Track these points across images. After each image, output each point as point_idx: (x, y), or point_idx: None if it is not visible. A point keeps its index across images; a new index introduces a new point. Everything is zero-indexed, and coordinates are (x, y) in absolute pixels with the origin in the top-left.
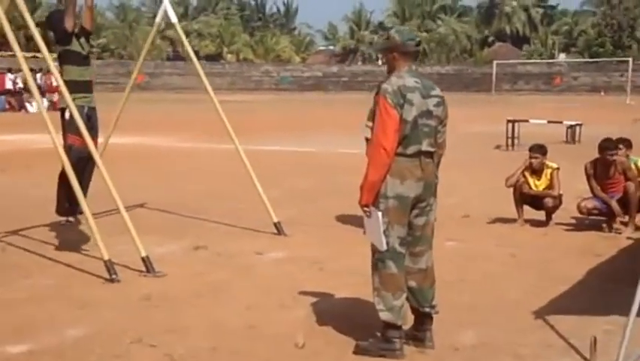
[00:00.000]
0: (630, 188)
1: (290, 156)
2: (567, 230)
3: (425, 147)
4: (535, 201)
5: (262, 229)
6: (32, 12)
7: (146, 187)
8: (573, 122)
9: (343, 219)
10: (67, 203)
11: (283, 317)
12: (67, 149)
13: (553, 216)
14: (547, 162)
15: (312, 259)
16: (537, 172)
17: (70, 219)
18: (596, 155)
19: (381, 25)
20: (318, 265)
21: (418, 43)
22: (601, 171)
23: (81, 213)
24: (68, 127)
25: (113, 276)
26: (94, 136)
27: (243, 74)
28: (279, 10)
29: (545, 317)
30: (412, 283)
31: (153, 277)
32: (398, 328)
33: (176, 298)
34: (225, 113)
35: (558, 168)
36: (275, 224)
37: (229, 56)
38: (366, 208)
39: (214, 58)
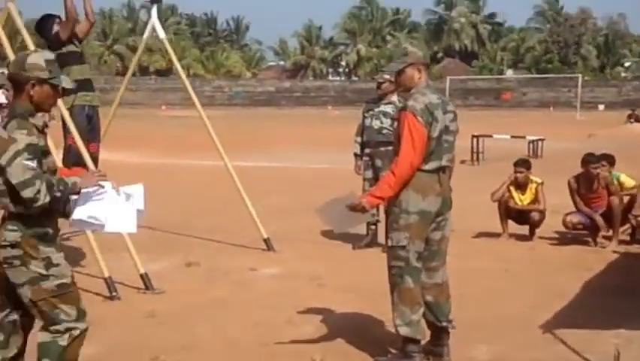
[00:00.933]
0: (614, 202)
1: (261, 172)
2: (552, 244)
3: (444, 162)
4: (520, 215)
5: (250, 245)
6: None
7: None
8: (535, 138)
9: (327, 235)
10: None
11: (293, 333)
12: (67, 149)
13: (537, 230)
14: (532, 177)
15: (308, 275)
16: (522, 187)
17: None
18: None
19: (331, 41)
20: (317, 281)
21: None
22: (584, 185)
23: None
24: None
25: (114, 293)
26: (94, 137)
27: (195, 89)
28: (229, 25)
29: (553, 331)
30: (429, 298)
31: (152, 294)
32: (417, 342)
33: (181, 315)
34: (184, 128)
35: (542, 183)
36: (265, 240)
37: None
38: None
39: (164, 73)
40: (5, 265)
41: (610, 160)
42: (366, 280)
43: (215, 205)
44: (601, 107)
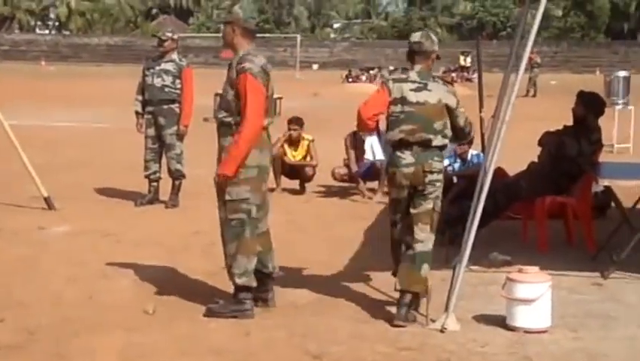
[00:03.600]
0: None
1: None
2: (323, 197)
3: (270, 119)
4: (292, 170)
5: (27, 204)
6: None
7: None
8: (275, 96)
9: (102, 192)
10: None
11: (112, 286)
12: None
13: (306, 185)
14: (304, 134)
15: (101, 232)
16: (295, 143)
17: None
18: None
19: None
20: (112, 237)
21: (257, 24)
22: (359, 142)
23: None
24: None
25: None
26: None
27: None
28: None
29: (357, 274)
30: (257, 247)
31: None
32: (250, 290)
33: None
34: None
35: (313, 140)
36: (45, 198)
37: None
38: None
39: None
40: (428, 186)
41: None
42: (160, 235)
43: None
44: (315, 66)
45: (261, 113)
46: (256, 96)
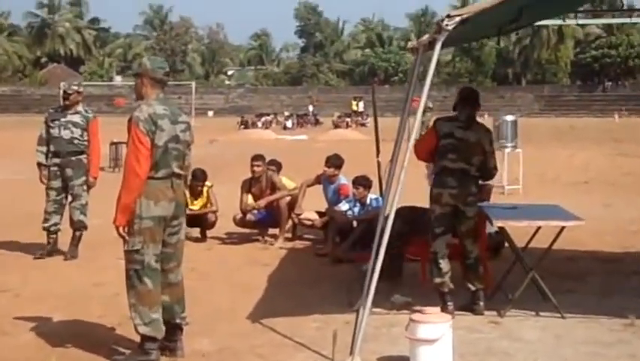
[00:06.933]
0: (282, 203)
1: None
2: (225, 244)
3: (175, 169)
4: (193, 218)
5: None
6: None
7: None
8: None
9: (2, 246)
10: None
11: (13, 342)
12: None
13: (207, 232)
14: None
15: None
16: (195, 192)
17: None
18: None
19: None
20: (10, 291)
21: (167, 73)
22: (255, 186)
23: None
24: None
25: None
26: None
27: None
28: None
29: (260, 320)
30: (165, 298)
31: None
32: (155, 340)
33: None
34: None
35: (212, 186)
36: None
37: None
38: (121, 230)
39: None
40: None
41: (274, 163)
42: (60, 287)
43: None
44: (210, 113)
45: (142, 162)
46: (135, 145)
